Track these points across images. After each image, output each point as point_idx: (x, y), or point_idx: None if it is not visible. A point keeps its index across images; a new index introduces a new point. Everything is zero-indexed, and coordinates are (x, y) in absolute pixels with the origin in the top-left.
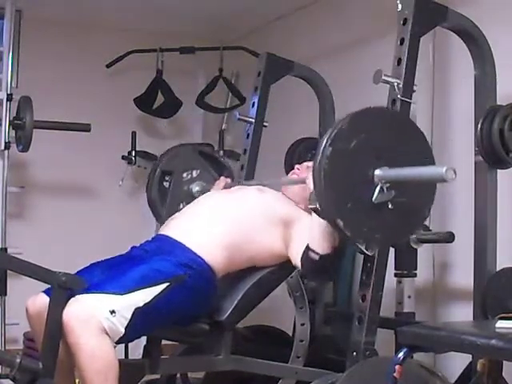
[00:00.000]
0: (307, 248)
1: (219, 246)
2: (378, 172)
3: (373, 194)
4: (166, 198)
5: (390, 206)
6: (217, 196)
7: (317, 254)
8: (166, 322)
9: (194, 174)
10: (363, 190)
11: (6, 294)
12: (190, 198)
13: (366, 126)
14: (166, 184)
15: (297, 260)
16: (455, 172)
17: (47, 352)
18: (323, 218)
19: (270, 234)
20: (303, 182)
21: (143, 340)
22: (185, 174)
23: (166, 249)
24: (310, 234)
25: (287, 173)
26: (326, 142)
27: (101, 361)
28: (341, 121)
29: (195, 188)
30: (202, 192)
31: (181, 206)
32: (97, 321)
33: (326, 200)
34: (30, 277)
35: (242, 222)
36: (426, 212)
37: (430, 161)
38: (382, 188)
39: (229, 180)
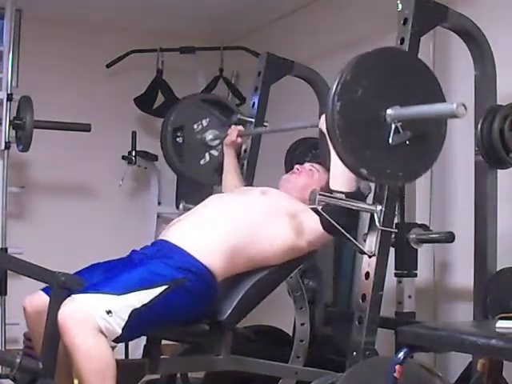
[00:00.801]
0: (331, 191)
1: (220, 250)
2: (389, 111)
3: (388, 135)
4: (183, 153)
5: (407, 143)
6: (218, 201)
7: (342, 193)
8: (164, 325)
9: (204, 123)
10: (379, 133)
11: (6, 294)
12: (206, 147)
13: (369, 71)
14: (179, 140)
15: (315, 225)
16: (466, 107)
17: (47, 352)
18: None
19: (275, 232)
20: (315, 126)
21: (143, 340)
22: (195, 126)
23: (165, 253)
24: (331, 179)
25: (292, 168)
26: (334, 97)
27: (97, 360)
28: (343, 72)
29: (208, 136)
30: (216, 139)
31: (202, 161)
32: (93, 320)
33: (346, 153)
34: (29, 277)
35: (243, 226)
36: (441, 144)
37: (439, 95)
38: (396, 127)
39: (241, 127)
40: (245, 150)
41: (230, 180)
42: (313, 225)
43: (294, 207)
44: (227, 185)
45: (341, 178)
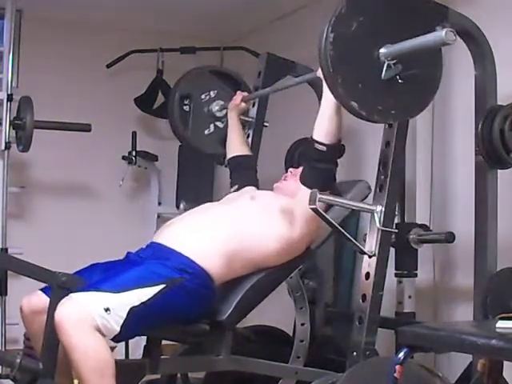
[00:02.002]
0: (314, 141)
1: (216, 253)
2: (382, 50)
3: (381, 72)
4: (188, 121)
5: (399, 81)
6: (211, 207)
7: (324, 144)
8: (163, 323)
9: (212, 94)
10: (371, 70)
11: (6, 294)
12: (212, 117)
13: (365, 7)
14: (186, 108)
15: (304, 208)
16: (455, 34)
17: (47, 352)
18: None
19: (271, 233)
20: (314, 75)
21: (143, 340)
22: (203, 96)
23: (161, 255)
24: (315, 127)
25: (286, 172)
26: (328, 28)
27: (95, 359)
28: (339, 5)
29: (215, 107)
30: (222, 110)
31: (206, 131)
32: (90, 318)
33: (337, 85)
34: (29, 277)
35: (239, 229)
36: (436, 84)
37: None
38: (388, 65)
39: (245, 93)
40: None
41: (235, 141)
42: (302, 210)
43: (284, 202)
44: (231, 146)
45: (325, 129)
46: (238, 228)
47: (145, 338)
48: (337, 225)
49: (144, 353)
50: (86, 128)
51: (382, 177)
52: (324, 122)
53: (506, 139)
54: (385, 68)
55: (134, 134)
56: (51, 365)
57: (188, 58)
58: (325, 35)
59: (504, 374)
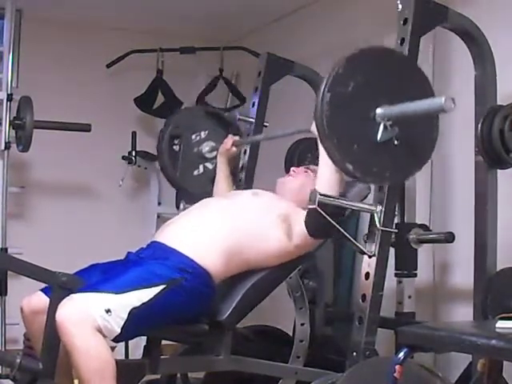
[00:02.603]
0: (315, 191)
1: (215, 251)
2: (379, 110)
3: (377, 133)
4: (178, 161)
5: (395, 143)
6: (212, 202)
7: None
8: (163, 324)
9: (203, 134)
10: (367, 131)
11: (6, 294)
12: (201, 158)
13: (362, 67)
14: (175, 148)
15: (302, 230)
16: (454, 101)
17: (47, 352)
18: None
19: (268, 234)
20: (307, 131)
21: (143, 340)
22: (193, 136)
23: (161, 255)
24: (317, 181)
25: (287, 173)
26: (324, 88)
27: (96, 360)
28: (336, 65)
29: (205, 148)
30: (212, 151)
31: (195, 171)
32: (92, 320)
33: (332, 146)
34: (29, 277)
35: (238, 227)
36: (432, 147)
37: (430, 95)
38: (385, 126)
39: (236, 137)
40: (244, 151)
41: (221, 188)
42: (299, 229)
43: (285, 208)
44: (218, 192)
45: (325, 183)
46: (237, 224)
47: (145, 338)
48: (337, 225)
49: (144, 353)
50: (85, 128)
51: None
52: (324, 177)
53: (505, 139)
54: (381, 129)
55: (134, 134)
56: (51, 365)
57: (188, 58)
58: (321, 95)
59: (504, 374)
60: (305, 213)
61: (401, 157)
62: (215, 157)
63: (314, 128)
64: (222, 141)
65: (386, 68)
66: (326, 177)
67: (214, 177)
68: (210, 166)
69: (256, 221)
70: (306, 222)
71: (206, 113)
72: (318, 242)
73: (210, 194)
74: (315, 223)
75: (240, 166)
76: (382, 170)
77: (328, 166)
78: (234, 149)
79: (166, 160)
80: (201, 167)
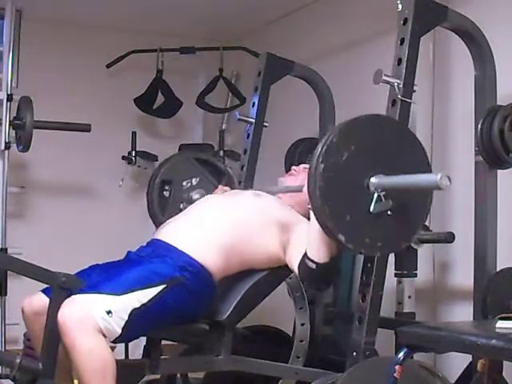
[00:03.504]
0: (305, 256)
1: (215, 248)
2: (373, 180)
3: (370, 203)
4: (166, 207)
5: (388, 213)
6: (212, 200)
7: (314, 262)
8: (164, 324)
9: (194, 181)
10: (361, 201)
11: (6, 294)
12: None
13: (356, 136)
14: (166, 193)
15: (294, 266)
16: (450, 179)
17: (47, 352)
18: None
19: (267, 238)
20: (300, 190)
21: (143, 340)
22: (184, 183)
23: (161, 253)
24: (307, 242)
25: (287, 173)
26: (318, 159)
27: (97, 361)
28: (330, 134)
29: (195, 196)
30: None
31: (181, 206)
32: (93, 321)
33: (325, 217)
34: (29, 277)
35: (238, 224)
36: (425, 216)
37: (426, 166)
38: (378, 196)
39: (227, 188)
40: (244, 151)
41: None
42: (294, 262)
43: (285, 217)
44: None
45: (315, 247)
46: (238, 223)
47: (145, 338)
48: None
49: (144, 353)
50: (85, 128)
51: None
52: (314, 240)
53: (505, 139)
54: (374, 200)
55: (134, 134)
56: (51, 365)
57: (188, 58)
58: (315, 165)
59: (504, 373)
60: (306, 224)
61: (393, 227)
62: None
63: (305, 189)
64: (213, 189)
65: (381, 136)
66: (316, 243)
67: None
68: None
69: (256, 221)
70: (298, 267)
71: (199, 160)
72: None
73: None
74: (305, 275)
75: (240, 165)
76: (375, 240)
77: (318, 232)
78: None
79: (155, 204)
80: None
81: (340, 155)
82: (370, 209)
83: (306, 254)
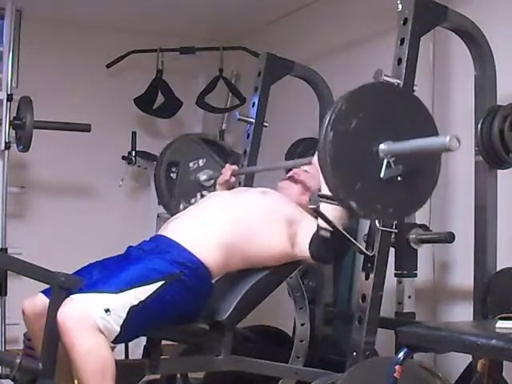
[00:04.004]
0: (318, 227)
1: (217, 246)
2: (382, 146)
3: (380, 169)
4: (174, 189)
5: (398, 179)
6: (218, 198)
7: (328, 231)
8: (162, 321)
9: (201, 162)
10: (371, 168)
11: (6, 294)
12: (199, 186)
13: (364, 104)
14: (173, 175)
15: (305, 249)
16: (459, 140)
17: (47, 352)
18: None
19: (272, 235)
20: (309, 163)
21: (143, 340)
22: (191, 164)
23: (162, 248)
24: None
25: (287, 173)
26: (327, 127)
27: (96, 360)
28: (338, 102)
29: (202, 177)
30: (210, 180)
31: (193, 200)
32: (92, 320)
33: (336, 184)
34: (29, 277)
35: (241, 223)
36: (434, 181)
37: (433, 131)
38: (388, 162)
39: (235, 167)
40: (245, 151)
41: None
42: (303, 244)
43: (292, 213)
44: None
45: (329, 214)
46: (241, 221)
47: (145, 338)
48: (337, 225)
49: (144, 353)
50: (85, 128)
51: None
52: (326, 210)
53: (505, 139)
54: (384, 166)
55: (134, 134)
56: (51, 365)
57: (188, 58)
58: (324, 133)
59: (504, 374)
60: (312, 220)
61: (404, 193)
62: (213, 185)
63: (315, 161)
64: (220, 169)
65: (388, 104)
66: (327, 211)
67: None
68: (207, 194)
69: (260, 219)
70: (309, 245)
71: (205, 141)
72: None
73: None
74: (319, 249)
75: (240, 165)
76: (386, 206)
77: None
78: (233, 179)
79: (162, 187)
80: (198, 195)
81: (349, 123)
82: (380, 175)
83: (318, 225)
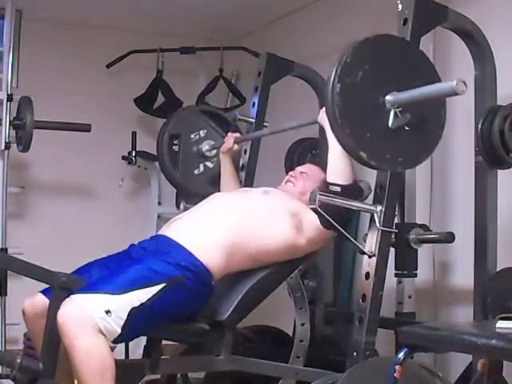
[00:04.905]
0: (328, 184)
1: (219, 248)
2: (388, 97)
3: (388, 120)
4: (178, 161)
5: (406, 129)
6: (220, 198)
7: (338, 185)
8: (163, 322)
9: (202, 133)
10: (378, 118)
11: (6, 294)
12: (201, 157)
13: (369, 55)
14: (175, 148)
15: (312, 218)
16: (465, 84)
17: (47, 352)
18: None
19: (275, 227)
20: (315, 122)
21: (143, 340)
22: (192, 135)
23: (163, 249)
24: (328, 171)
25: (287, 173)
26: (334, 79)
27: (96, 361)
28: (344, 54)
29: (205, 147)
30: (212, 150)
31: (196, 171)
32: (92, 321)
33: (346, 136)
34: (30, 277)
35: (243, 222)
36: (441, 129)
37: (437, 80)
38: (395, 113)
39: (237, 134)
40: (245, 151)
41: (228, 186)
42: (312, 221)
43: (295, 206)
44: (224, 188)
45: (337, 170)
46: (246, 221)
47: (145, 338)
48: (337, 225)
49: (144, 353)
50: (85, 128)
51: (382, 177)
52: (334, 164)
53: (505, 139)
54: (391, 116)
55: (134, 134)
56: (51, 365)
57: (188, 58)
58: (331, 85)
59: (504, 374)
60: (313, 214)
61: (412, 142)
62: (215, 155)
63: (321, 119)
64: (222, 139)
65: (393, 55)
66: (336, 166)
67: (215, 175)
68: (210, 164)
69: (262, 218)
70: (319, 220)
71: (204, 112)
72: (328, 237)
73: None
74: (327, 210)
75: (240, 165)
76: (395, 156)
77: (337, 155)
78: (237, 146)
79: (166, 160)
80: (201, 166)
81: (355, 75)
82: (388, 125)
83: (328, 182)
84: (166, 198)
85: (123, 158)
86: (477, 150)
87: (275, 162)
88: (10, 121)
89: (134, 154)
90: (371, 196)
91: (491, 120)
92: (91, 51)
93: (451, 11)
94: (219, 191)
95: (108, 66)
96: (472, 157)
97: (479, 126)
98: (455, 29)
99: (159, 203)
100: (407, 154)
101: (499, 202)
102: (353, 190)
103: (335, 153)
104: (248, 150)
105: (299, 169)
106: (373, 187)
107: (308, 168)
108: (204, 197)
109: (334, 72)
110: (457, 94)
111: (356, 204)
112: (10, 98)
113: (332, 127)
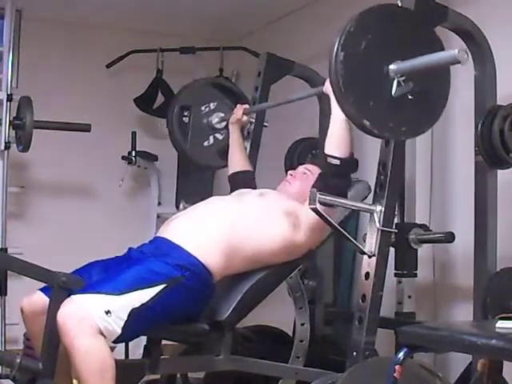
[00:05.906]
0: (326, 155)
1: (218, 248)
2: (392, 67)
3: (391, 89)
4: (187, 132)
5: (409, 98)
6: (217, 200)
7: (337, 158)
8: (163, 323)
9: (212, 106)
10: (382, 87)
11: (6, 294)
12: (211, 129)
13: (372, 25)
14: (185, 119)
15: (312, 214)
16: (467, 53)
17: (47, 352)
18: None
19: (272, 227)
20: (320, 92)
21: (143, 340)
22: (203, 107)
23: (163, 251)
24: (327, 142)
25: (287, 173)
26: (337, 48)
27: (96, 361)
28: (347, 24)
29: (215, 119)
30: (222, 122)
31: (206, 143)
32: (92, 321)
33: (349, 104)
34: (30, 277)
35: (240, 224)
36: (445, 99)
37: (440, 49)
38: (398, 82)
39: (246, 106)
40: (250, 123)
41: (236, 157)
42: (307, 212)
43: (290, 206)
44: (233, 162)
45: (337, 139)
46: (240, 223)
47: (145, 338)
48: (337, 225)
49: (144, 353)
50: (85, 128)
51: (382, 177)
52: (335, 136)
53: (505, 139)
54: (395, 85)
55: (134, 134)
56: (51, 365)
57: (188, 58)
58: (335, 54)
59: (504, 374)
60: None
61: (416, 111)
62: (225, 127)
63: (326, 88)
64: (231, 111)
65: (396, 25)
66: (337, 136)
67: (224, 147)
68: (219, 136)
69: (257, 220)
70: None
71: (214, 84)
72: (326, 226)
73: (223, 166)
74: (330, 174)
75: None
76: (399, 124)
77: (338, 123)
78: (246, 117)
79: (176, 132)
80: (211, 138)
81: (358, 44)
82: (391, 94)
83: (326, 154)
84: (165, 199)
85: (123, 158)
86: (477, 150)
87: (275, 162)
88: (9, 121)
89: (133, 154)
90: (371, 196)
91: (491, 120)
92: (91, 51)
93: (451, 11)
94: (227, 162)
95: (108, 66)
96: (472, 157)
97: (479, 125)
98: (455, 29)
99: (159, 203)
100: (410, 123)
101: (499, 202)
102: (351, 163)
103: (336, 121)
104: (248, 150)
105: (301, 168)
106: (373, 187)
107: (309, 168)
108: (213, 169)
109: (337, 41)
110: (459, 62)
111: (356, 204)
112: (9, 98)
113: (335, 96)
